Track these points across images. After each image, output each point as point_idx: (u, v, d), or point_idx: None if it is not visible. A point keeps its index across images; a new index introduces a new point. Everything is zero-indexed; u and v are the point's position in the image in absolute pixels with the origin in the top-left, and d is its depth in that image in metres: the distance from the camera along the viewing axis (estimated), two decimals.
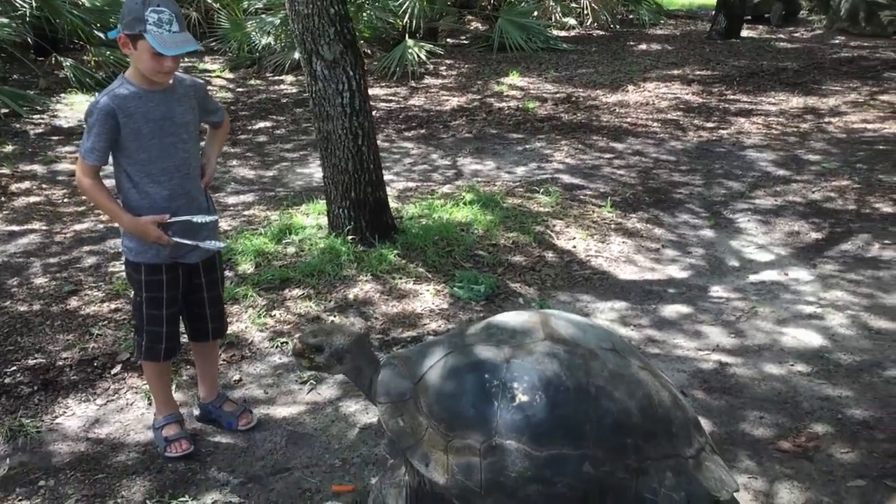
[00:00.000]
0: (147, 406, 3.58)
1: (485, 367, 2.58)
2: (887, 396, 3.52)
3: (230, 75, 11.82)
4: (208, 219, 3.08)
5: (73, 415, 3.54)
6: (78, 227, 5.88)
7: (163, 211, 3.00)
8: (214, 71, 11.99)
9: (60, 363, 3.89)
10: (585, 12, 15.46)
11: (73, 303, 4.51)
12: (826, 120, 8.69)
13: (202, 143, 3.28)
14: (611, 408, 2.50)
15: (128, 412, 3.56)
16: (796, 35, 14.56)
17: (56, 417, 3.52)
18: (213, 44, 12.73)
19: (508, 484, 2.44)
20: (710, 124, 8.59)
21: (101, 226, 5.88)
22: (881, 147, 7.55)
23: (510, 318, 2.84)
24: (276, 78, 11.52)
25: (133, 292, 3.19)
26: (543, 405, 2.48)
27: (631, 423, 2.50)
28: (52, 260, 5.20)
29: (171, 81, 3.02)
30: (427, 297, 4.48)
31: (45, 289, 4.71)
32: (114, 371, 3.84)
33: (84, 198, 6.54)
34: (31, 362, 3.90)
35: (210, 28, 12.90)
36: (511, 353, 2.59)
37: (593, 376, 2.54)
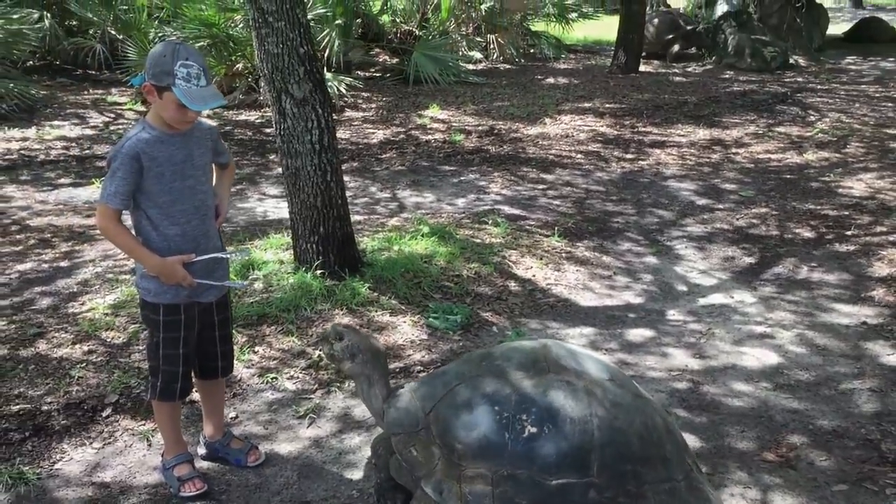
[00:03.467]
0: (147, 448, 3.55)
1: (494, 398, 2.76)
2: (846, 408, 3.87)
3: (142, 108, 11.57)
4: (239, 255, 3.17)
5: (72, 460, 3.48)
6: (20, 266, 5.70)
7: (182, 252, 3.05)
8: (125, 103, 11.70)
9: (46, 408, 3.80)
10: (491, 46, 15.94)
11: (42, 346, 4.39)
12: (733, 151, 9.29)
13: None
14: (612, 437, 2.71)
15: (128, 455, 3.52)
16: (689, 70, 15.41)
17: (55, 463, 3.45)
18: (122, 75, 12.43)
19: None
20: (629, 155, 9.04)
21: (46, 265, 5.72)
22: (788, 176, 8.14)
23: (514, 349, 3.02)
24: None
25: (149, 332, 3.20)
26: (551, 436, 2.67)
27: (630, 451, 2.72)
28: (3, 302, 5.04)
29: None
30: (405, 329, 4.60)
31: (6, 332, 4.56)
32: (104, 414, 3.78)
33: (20, 237, 6.35)
34: (14, 408, 3.79)
35: (116, 60, 12.60)
36: (519, 385, 2.78)
37: (595, 406, 2.75)
